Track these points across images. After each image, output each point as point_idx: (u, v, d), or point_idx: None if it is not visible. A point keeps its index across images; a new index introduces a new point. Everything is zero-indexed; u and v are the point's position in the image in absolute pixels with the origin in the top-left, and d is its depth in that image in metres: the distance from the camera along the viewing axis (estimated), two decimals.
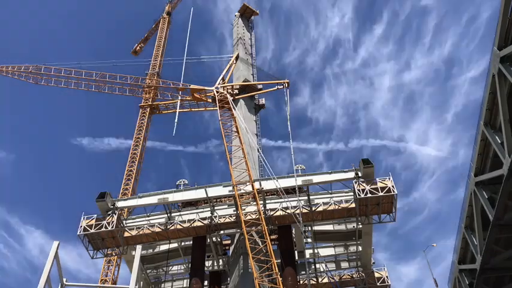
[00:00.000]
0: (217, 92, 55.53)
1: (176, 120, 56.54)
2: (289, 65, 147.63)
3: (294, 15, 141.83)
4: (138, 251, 28.79)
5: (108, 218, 42.63)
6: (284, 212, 43.44)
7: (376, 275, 50.69)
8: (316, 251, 51.47)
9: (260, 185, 44.23)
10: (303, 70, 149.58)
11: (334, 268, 52.69)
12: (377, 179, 41.72)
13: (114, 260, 67.02)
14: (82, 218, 42.54)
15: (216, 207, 46.00)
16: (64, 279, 24.48)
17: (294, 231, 48.06)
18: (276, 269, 37.84)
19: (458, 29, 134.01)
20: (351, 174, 42.66)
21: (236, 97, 60.75)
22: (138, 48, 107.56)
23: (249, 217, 41.64)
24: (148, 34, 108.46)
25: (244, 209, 42.61)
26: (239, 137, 49.31)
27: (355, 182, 41.58)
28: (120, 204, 45.00)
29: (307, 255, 51.90)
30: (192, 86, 58.70)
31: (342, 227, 49.77)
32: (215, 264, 51.36)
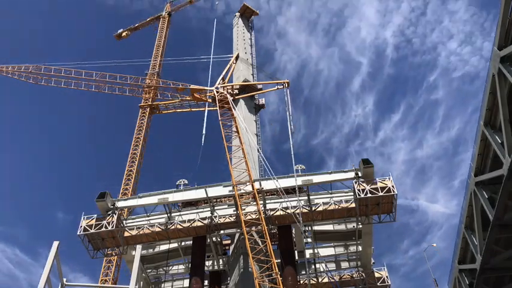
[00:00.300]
0: (217, 92, 55.51)
1: (204, 132, 52.84)
2: (317, 145, 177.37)
3: (324, 107, 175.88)
4: (138, 251, 28.81)
5: (108, 218, 42.60)
6: (284, 212, 43.42)
7: (376, 275, 50.65)
8: (316, 251, 51.45)
9: (260, 185, 44.21)
10: (329, 148, 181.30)
11: (334, 268, 52.67)
12: (377, 179, 41.70)
13: (114, 260, 66.99)
14: (82, 218, 42.52)
15: (216, 207, 45.99)
16: (64, 279, 24.52)
17: (294, 231, 48.05)
18: (276, 268, 37.82)
19: (464, 117, 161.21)
20: (351, 174, 42.64)
21: (236, 97, 60.74)
22: (124, 34, 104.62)
23: (249, 217, 41.64)
24: (139, 25, 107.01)
25: (244, 209, 42.59)
26: (239, 137, 49.29)
27: (355, 182, 41.55)
28: (120, 204, 44.97)
29: (307, 255, 51.90)
30: (192, 86, 58.68)
31: (342, 227, 49.75)
32: (215, 264, 51.37)
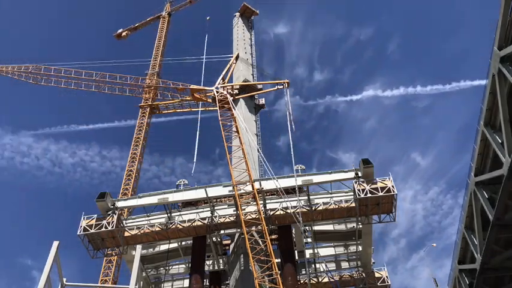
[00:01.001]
0: (217, 92, 55.51)
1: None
2: None
3: None
4: (138, 251, 28.86)
5: (108, 218, 42.60)
6: (284, 212, 43.43)
7: (376, 275, 50.67)
8: (316, 250, 51.47)
9: (260, 185, 44.21)
10: None
11: (334, 268, 52.68)
12: (377, 179, 41.71)
13: (114, 260, 67.00)
14: (82, 218, 42.52)
15: (216, 207, 45.99)
16: (64, 279, 24.54)
17: (294, 231, 48.06)
18: (276, 268, 37.84)
19: None
20: (351, 174, 42.64)
21: (236, 97, 60.71)
22: (124, 33, 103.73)
23: (249, 217, 41.64)
24: (139, 25, 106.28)
25: (244, 209, 42.60)
26: (239, 137, 49.27)
27: (355, 182, 41.56)
28: (120, 204, 44.98)
29: (307, 255, 51.87)
30: (192, 86, 58.69)
31: (342, 227, 49.76)
32: (215, 264, 51.37)
